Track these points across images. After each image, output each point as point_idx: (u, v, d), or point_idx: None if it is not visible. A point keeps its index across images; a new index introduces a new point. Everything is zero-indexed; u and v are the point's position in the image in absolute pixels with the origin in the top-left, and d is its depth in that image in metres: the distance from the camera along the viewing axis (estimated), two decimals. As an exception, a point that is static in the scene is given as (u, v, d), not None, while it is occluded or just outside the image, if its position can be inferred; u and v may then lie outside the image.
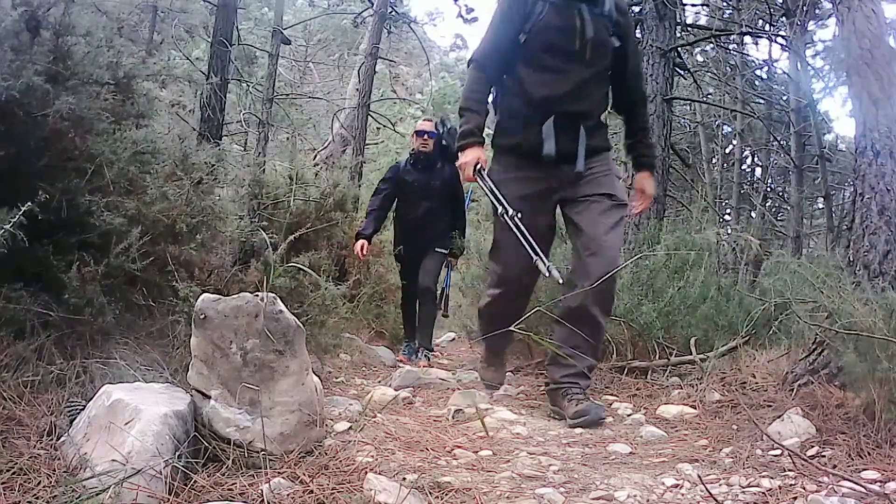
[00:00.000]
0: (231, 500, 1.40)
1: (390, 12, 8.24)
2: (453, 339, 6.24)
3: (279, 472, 1.55)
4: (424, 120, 4.63)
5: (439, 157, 4.49)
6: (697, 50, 10.32)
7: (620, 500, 1.55)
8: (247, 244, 2.94)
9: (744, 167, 11.81)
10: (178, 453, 1.46)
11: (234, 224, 2.66)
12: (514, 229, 2.30)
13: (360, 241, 4.34)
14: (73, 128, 2.00)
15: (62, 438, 1.54)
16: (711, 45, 9.82)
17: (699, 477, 1.64)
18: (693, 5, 8.90)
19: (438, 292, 4.54)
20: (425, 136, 4.47)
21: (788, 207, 10.03)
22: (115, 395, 1.52)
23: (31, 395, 1.69)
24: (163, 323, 2.21)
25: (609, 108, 2.86)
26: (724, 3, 9.11)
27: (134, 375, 1.89)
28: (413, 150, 4.57)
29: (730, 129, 11.86)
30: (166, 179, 2.31)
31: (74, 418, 1.60)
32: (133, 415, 1.46)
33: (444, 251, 4.52)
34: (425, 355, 4.36)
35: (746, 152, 12.06)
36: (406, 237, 4.55)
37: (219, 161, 2.69)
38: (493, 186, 2.45)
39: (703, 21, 9.60)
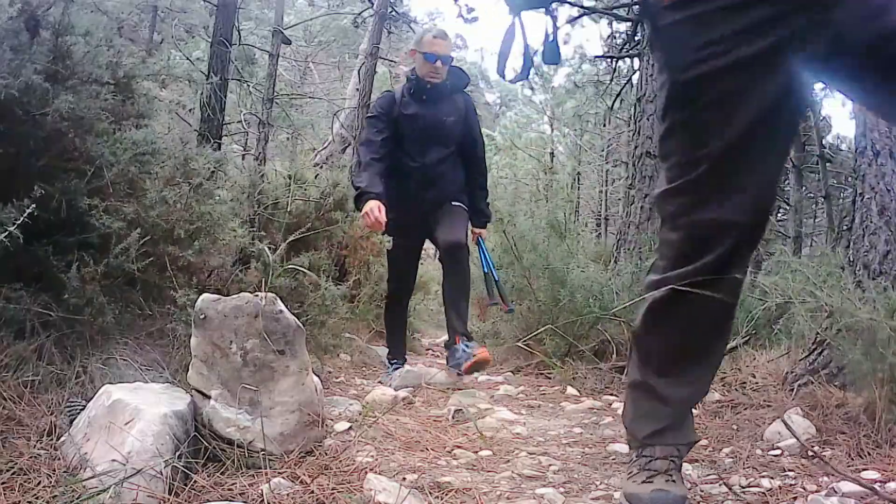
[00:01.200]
0: (231, 500, 1.40)
1: (390, 12, 8.25)
2: (453, 339, 6.22)
3: (279, 472, 1.55)
4: (434, 37, 3.29)
5: (451, 87, 3.33)
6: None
7: (620, 500, 1.55)
8: (246, 248, 2.94)
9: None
10: (178, 453, 1.46)
11: (232, 231, 2.65)
12: None
13: (373, 203, 2.99)
14: (72, 127, 2.00)
15: (62, 438, 1.54)
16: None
17: (699, 477, 1.64)
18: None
19: (490, 285, 3.40)
20: (438, 63, 3.23)
21: (788, 207, 10.03)
22: (115, 395, 1.52)
23: (31, 395, 1.69)
24: (163, 323, 2.21)
25: None
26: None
27: (134, 375, 1.89)
28: (413, 77, 3.29)
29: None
30: (166, 183, 2.31)
31: (74, 418, 1.60)
32: (133, 415, 1.46)
33: (463, 206, 3.33)
34: (466, 345, 3.03)
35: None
36: (406, 199, 3.24)
37: (219, 165, 2.68)
38: None
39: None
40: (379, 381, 3.32)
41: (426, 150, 3.26)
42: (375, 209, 2.98)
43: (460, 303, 3.18)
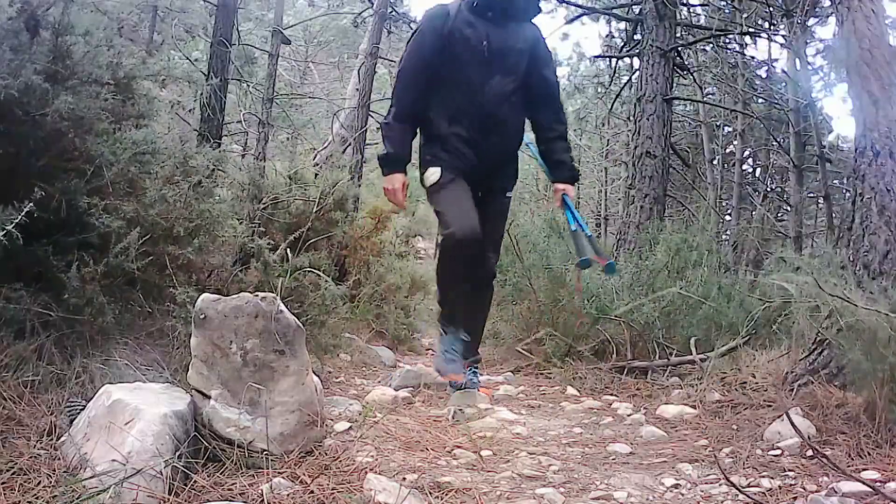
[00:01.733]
0: (231, 500, 1.40)
1: (390, 12, 8.25)
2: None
3: (279, 472, 1.55)
4: None
5: (524, 8, 2.71)
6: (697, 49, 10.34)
7: (620, 500, 1.55)
8: (246, 247, 2.94)
9: (744, 167, 11.84)
10: (178, 453, 1.46)
11: (233, 229, 2.65)
12: None
13: (396, 180, 2.60)
14: (72, 128, 2.00)
15: (62, 438, 1.54)
16: (711, 45, 9.85)
17: (699, 477, 1.64)
18: (693, 5, 8.92)
19: (580, 241, 2.65)
20: None
21: (789, 207, 10.05)
22: (115, 395, 1.52)
23: (31, 395, 1.69)
24: (162, 323, 2.21)
25: None
26: (724, 3, 9.13)
27: (134, 375, 1.89)
28: None
29: (730, 130, 11.88)
30: (165, 182, 2.31)
31: (74, 418, 1.60)
32: (133, 415, 1.46)
33: (510, 194, 2.85)
34: (474, 372, 2.83)
35: (747, 152, 12.10)
36: (460, 143, 2.61)
37: (218, 163, 2.68)
38: None
39: (703, 21, 9.62)
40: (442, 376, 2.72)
41: (488, 81, 2.57)
42: (399, 189, 2.60)
43: (477, 328, 2.89)
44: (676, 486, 1.64)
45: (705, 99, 10.57)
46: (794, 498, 1.48)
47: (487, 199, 2.70)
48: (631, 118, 9.20)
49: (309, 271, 2.79)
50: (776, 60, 10.52)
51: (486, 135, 2.60)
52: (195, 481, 1.46)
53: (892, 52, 2.36)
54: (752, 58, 10.78)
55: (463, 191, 2.59)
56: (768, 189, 12.06)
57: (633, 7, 7.98)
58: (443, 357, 2.66)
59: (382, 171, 2.65)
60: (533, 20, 2.79)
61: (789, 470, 1.66)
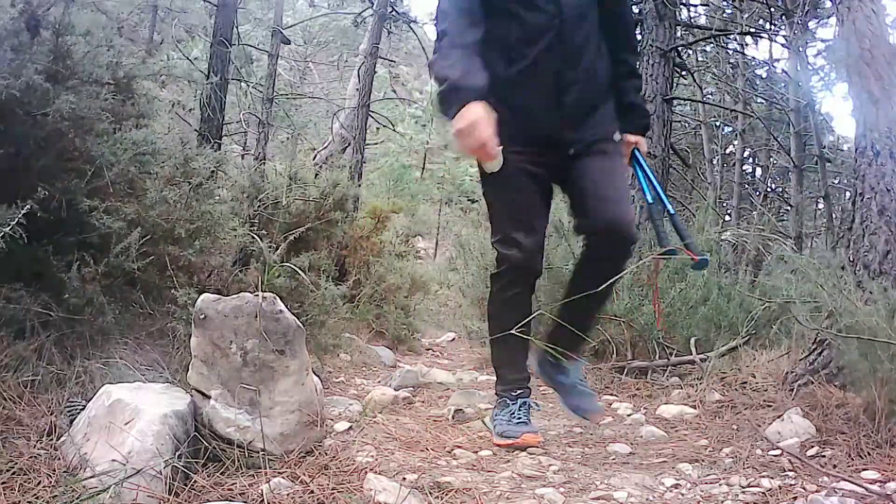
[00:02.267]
0: (231, 500, 1.40)
1: (390, 12, 8.25)
2: (453, 339, 6.24)
3: (279, 472, 1.55)
4: None
5: None
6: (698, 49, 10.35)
7: (620, 500, 1.55)
8: (246, 248, 2.94)
9: (744, 167, 11.84)
10: (178, 453, 1.46)
11: (233, 230, 2.65)
12: None
13: (474, 112, 1.69)
14: (72, 127, 2.00)
15: (62, 438, 1.54)
16: (711, 45, 9.85)
17: (699, 477, 1.64)
18: (693, 5, 8.92)
19: (660, 223, 2.04)
20: None
21: (789, 207, 10.05)
22: (115, 395, 1.52)
23: (31, 395, 1.69)
24: (163, 323, 2.21)
25: None
26: (725, 3, 9.12)
27: (134, 375, 1.89)
28: None
29: (730, 130, 11.88)
30: (166, 183, 2.31)
31: (74, 418, 1.60)
32: (133, 415, 1.46)
33: (618, 137, 2.07)
34: (582, 379, 2.19)
35: (747, 152, 12.10)
36: (525, 95, 1.94)
37: (219, 165, 2.68)
38: None
39: (703, 21, 9.62)
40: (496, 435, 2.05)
41: (550, 20, 1.88)
42: (481, 124, 1.70)
43: (591, 322, 2.14)
44: (676, 486, 1.64)
45: (705, 99, 10.56)
46: (794, 498, 1.47)
47: (581, 154, 1.96)
48: (631, 118, 9.16)
49: (295, 269, 2.78)
50: (777, 60, 10.52)
51: (564, 72, 1.91)
52: (195, 481, 1.46)
53: (893, 52, 2.36)
54: (753, 58, 10.80)
55: (529, 185, 1.96)
56: (768, 189, 12.07)
57: (633, 7, 7.98)
58: (508, 421, 2.03)
59: (445, 112, 1.76)
60: None
61: (789, 470, 1.66)
